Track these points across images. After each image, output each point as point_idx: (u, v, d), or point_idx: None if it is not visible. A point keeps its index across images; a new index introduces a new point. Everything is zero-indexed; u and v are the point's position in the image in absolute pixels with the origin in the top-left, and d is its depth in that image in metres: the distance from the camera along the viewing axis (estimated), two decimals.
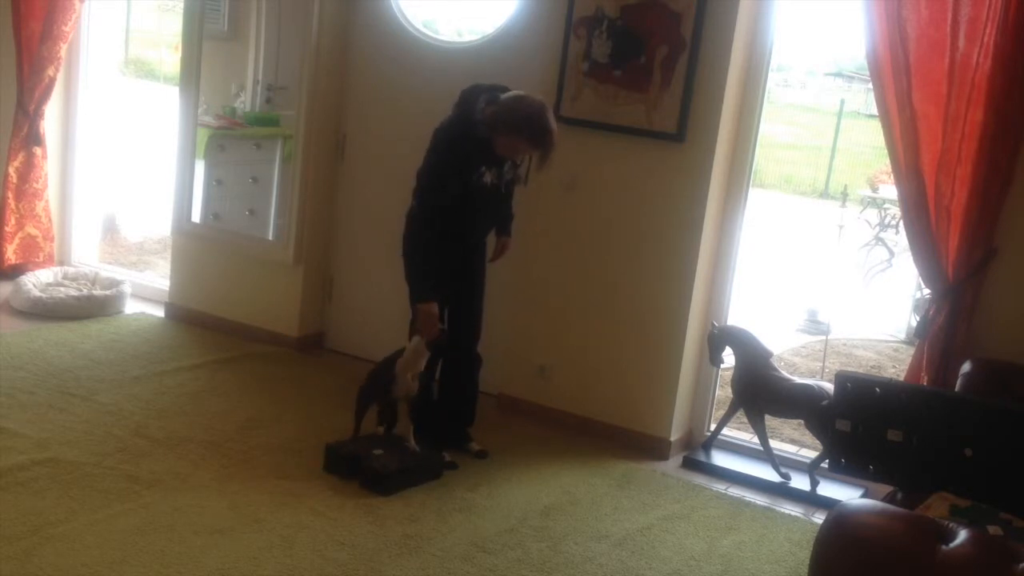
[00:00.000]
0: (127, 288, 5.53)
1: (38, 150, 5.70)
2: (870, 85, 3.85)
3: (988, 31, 3.51)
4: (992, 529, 2.73)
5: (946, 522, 2.43)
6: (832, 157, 13.54)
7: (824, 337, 6.62)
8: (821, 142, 14.22)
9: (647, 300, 4.30)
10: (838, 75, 15.94)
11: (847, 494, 3.97)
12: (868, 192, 10.77)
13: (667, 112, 4.13)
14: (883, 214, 9.69)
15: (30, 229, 5.76)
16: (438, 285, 3.83)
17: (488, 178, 3.82)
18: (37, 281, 5.40)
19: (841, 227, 7.51)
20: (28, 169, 5.69)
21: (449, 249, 3.88)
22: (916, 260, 3.80)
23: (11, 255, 5.71)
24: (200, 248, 5.33)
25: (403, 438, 3.83)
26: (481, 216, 3.96)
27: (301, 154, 4.96)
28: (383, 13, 4.86)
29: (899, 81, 3.66)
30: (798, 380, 4.15)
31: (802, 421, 4.14)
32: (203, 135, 5.29)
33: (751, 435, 4.33)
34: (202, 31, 5.18)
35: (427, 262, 3.80)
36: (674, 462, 4.28)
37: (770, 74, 4.23)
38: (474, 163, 3.76)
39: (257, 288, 5.18)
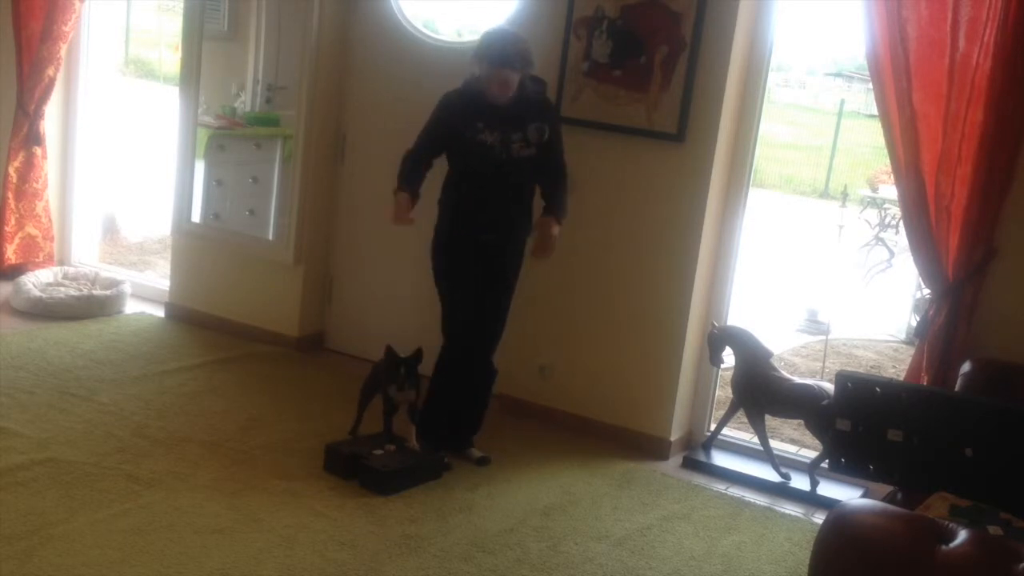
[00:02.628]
0: (127, 288, 5.53)
1: (38, 150, 5.70)
2: (870, 85, 3.85)
3: (988, 31, 3.51)
4: (992, 529, 2.73)
5: (946, 522, 2.44)
6: (832, 157, 13.54)
7: (824, 337, 6.62)
8: (821, 142, 14.22)
9: (647, 300, 4.30)
10: (838, 75, 15.95)
11: (847, 494, 3.97)
12: (868, 192, 10.77)
13: (667, 112, 4.13)
14: (883, 214, 9.69)
15: (30, 229, 5.76)
16: (451, 266, 3.91)
17: (488, 137, 3.75)
18: (37, 281, 5.40)
19: (841, 227, 7.50)
20: (28, 169, 5.69)
21: (457, 239, 3.90)
22: (916, 260, 3.80)
23: (11, 255, 5.71)
24: (200, 248, 5.33)
25: (403, 438, 3.83)
26: (490, 185, 3.84)
27: (301, 154, 4.96)
28: (383, 13, 4.86)
29: (899, 81, 3.66)
30: (798, 380, 4.16)
31: (802, 421, 4.14)
32: (203, 135, 5.29)
33: (751, 435, 4.33)
34: (202, 31, 5.18)
35: (406, 164, 3.86)
36: (674, 462, 4.28)
37: (770, 74, 4.23)
38: (468, 116, 3.77)
39: (257, 288, 5.18)
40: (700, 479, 4.13)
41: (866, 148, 13.19)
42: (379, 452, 3.75)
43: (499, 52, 3.71)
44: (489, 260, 3.93)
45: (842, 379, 3.25)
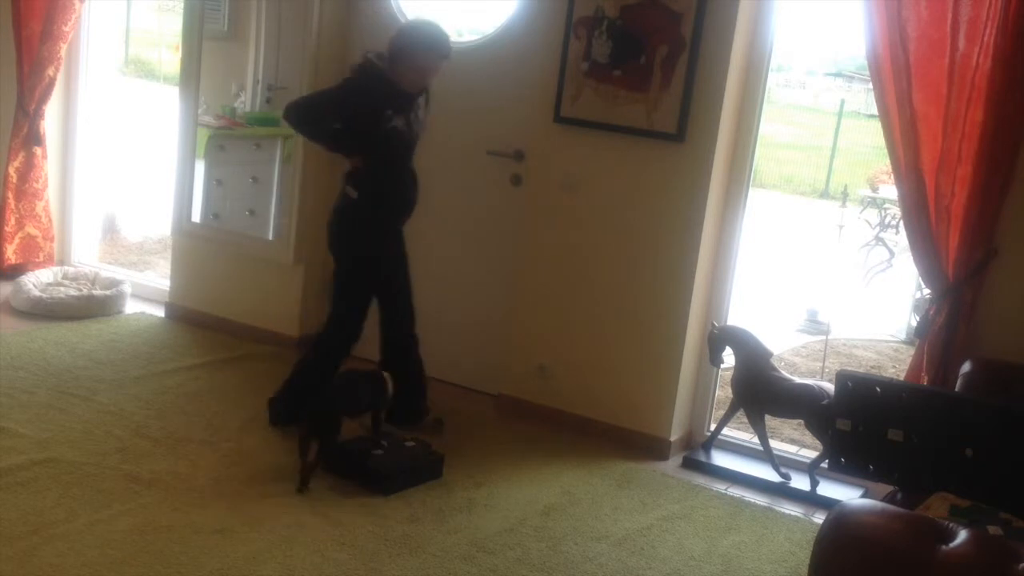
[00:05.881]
0: (127, 288, 5.52)
1: (38, 150, 5.70)
2: (870, 85, 3.85)
3: (988, 31, 3.51)
4: (992, 529, 2.73)
5: (946, 522, 2.43)
6: (832, 157, 13.55)
7: (824, 337, 6.62)
8: (821, 142, 14.23)
9: (647, 300, 4.30)
10: (838, 75, 15.96)
11: (847, 494, 3.97)
12: (868, 192, 10.77)
13: (667, 112, 4.13)
14: (883, 214, 9.69)
15: (30, 229, 5.76)
16: (389, 269, 4.15)
17: (399, 123, 3.89)
18: (37, 281, 5.40)
19: (841, 227, 7.51)
20: (28, 169, 5.69)
21: (396, 224, 4.12)
22: (916, 260, 3.80)
23: (11, 255, 5.71)
24: (200, 248, 5.33)
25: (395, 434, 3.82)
26: (407, 171, 4.04)
27: (301, 154, 4.96)
28: (383, 13, 4.86)
29: (899, 81, 3.66)
30: (798, 380, 4.15)
31: (802, 421, 4.14)
32: (203, 135, 5.28)
33: (751, 435, 4.33)
34: (202, 31, 5.18)
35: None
36: (674, 462, 4.28)
37: (770, 74, 4.23)
38: (380, 103, 3.87)
39: (257, 288, 5.18)
40: (700, 479, 4.13)
41: (866, 148, 13.20)
42: (379, 452, 3.75)
43: (447, 43, 3.91)
44: (401, 242, 4.18)
45: (842, 379, 3.25)
